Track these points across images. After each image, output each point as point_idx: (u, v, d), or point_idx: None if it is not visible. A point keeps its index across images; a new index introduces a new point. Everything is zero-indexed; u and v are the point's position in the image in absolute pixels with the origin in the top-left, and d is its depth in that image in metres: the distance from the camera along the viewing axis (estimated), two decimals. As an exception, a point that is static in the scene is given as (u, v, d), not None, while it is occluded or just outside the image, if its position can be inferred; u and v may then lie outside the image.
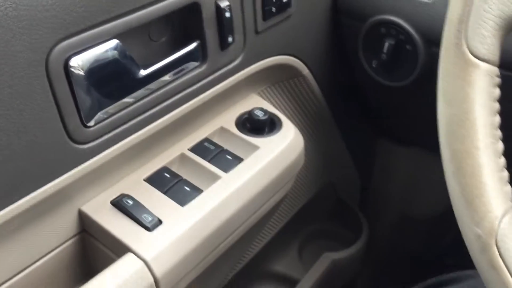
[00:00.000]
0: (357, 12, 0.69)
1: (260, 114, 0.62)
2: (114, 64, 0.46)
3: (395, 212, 1.02)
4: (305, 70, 0.72)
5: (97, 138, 0.48)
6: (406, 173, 0.96)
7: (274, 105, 0.73)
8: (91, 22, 0.44)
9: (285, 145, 0.61)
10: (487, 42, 0.34)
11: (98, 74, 0.45)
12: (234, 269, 0.81)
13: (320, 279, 0.96)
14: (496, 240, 0.34)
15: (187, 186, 0.55)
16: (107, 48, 0.46)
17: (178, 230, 0.50)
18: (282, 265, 1.00)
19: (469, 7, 0.34)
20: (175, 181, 0.55)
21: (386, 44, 0.66)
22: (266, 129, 0.63)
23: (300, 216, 0.97)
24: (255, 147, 0.60)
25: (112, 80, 0.47)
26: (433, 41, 0.63)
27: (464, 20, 0.34)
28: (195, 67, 0.54)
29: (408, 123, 0.81)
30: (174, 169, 0.57)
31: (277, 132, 0.62)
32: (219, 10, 0.53)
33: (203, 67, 0.55)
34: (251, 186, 0.57)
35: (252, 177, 0.57)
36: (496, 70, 0.35)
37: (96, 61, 0.45)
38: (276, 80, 0.71)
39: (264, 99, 0.70)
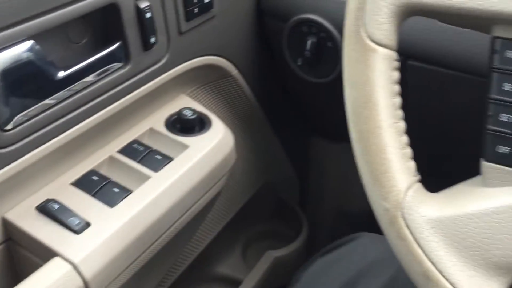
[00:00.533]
0: (279, 12, 0.71)
1: (188, 113, 0.63)
2: (30, 66, 0.46)
3: (332, 207, 1.05)
4: (234, 71, 0.74)
5: (17, 142, 0.47)
6: (339, 169, 0.99)
7: (205, 106, 0.74)
8: (2, 24, 0.43)
9: (214, 143, 0.62)
10: (383, 28, 0.36)
11: (13, 76, 0.45)
12: (175, 271, 0.80)
13: (264, 278, 0.97)
14: (402, 213, 0.37)
15: (116, 188, 0.54)
16: (22, 49, 0.45)
17: (107, 231, 0.50)
18: (226, 267, 1.00)
19: (365, -3, 0.36)
20: (104, 183, 0.54)
21: (309, 42, 0.69)
22: (196, 129, 0.64)
23: (242, 217, 0.98)
24: (185, 146, 0.60)
25: (29, 82, 0.46)
26: (352, 37, 0.66)
27: (361, 8, 0.37)
28: (118, 68, 0.54)
29: (336, 119, 0.84)
30: (102, 171, 0.57)
31: (206, 131, 0.63)
32: (139, 11, 0.54)
33: (127, 68, 0.55)
34: (181, 184, 0.57)
35: (182, 176, 0.57)
36: (394, 54, 0.37)
37: (10, 62, 0.44)
38: (206, 81, 0.72)
39: (194, 99, 0.70)
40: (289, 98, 0.88)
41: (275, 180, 1.04)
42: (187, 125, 0.63)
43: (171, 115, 0.64)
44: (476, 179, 0.38)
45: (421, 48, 0.62)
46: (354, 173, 1.05)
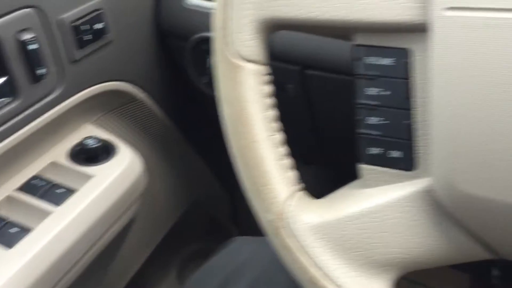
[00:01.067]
0: (179, 32, 0.71)
1: (91, 142, 0.61)
2: None
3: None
4: (140, 94, 0.73)
5: None
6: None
7: (115, 132, 0.73)
8: None
9: (121, 170, 0.61)
10: (249, 45, 0.37)
11: None
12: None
13: (199, 298, 0.96)
14: (285, 223, 0.37)
15: (15, 228, 0.52)
16: None
17: (5, 275, 0.48)
18: (161, 291, 0.98)
19: (229, 15, 0.37)
20: (1, 225, 0.52)
21: (210, 60, 0.69)
22: (101, 157, 0.62)
23: (175, 238, 0.97)
24: (89, 177, 0.59)
25: None
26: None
27: (225, 26, 0.37)
28: (6, 104, 0.53)
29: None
30: (0, 213, 0.54)
31: (112, 158, 0.62)
32: (21, 43, 0.52)
33: (16, 103, 0.53)
34: (86, 216, 0.56)
35: (86, 207, 0.56)
36: (263, 69, 0.38)
37: None
38: (112, 107, 0.71)
39: (101, 127, 0.69)
40: (203, 114, 0.88)
41: (204, 198, 1.03)
42: (91, 155, 0.62)
43: (75, 146, 0.63)
44: (357, 181, 0.40)
45: (315, 57, 0.64)
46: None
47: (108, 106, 0.70)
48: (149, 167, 0.82)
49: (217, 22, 0.38)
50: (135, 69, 0.71)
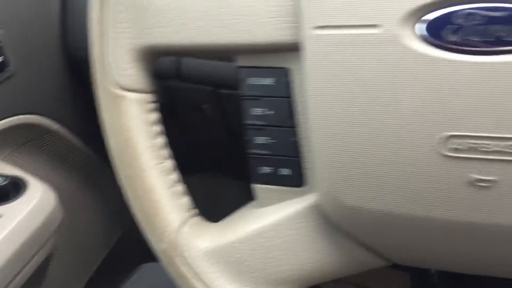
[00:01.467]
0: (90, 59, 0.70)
1: (-3, 181, 0.59)
2: None
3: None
4: (53, 125, 0.71)
5: None
6: (202, 199, 0.99)
7: (29, 167, 0.70)
8: None
9: (30, 207, 0.58)
10: (128, 74, 0.37)
11: None
12: None
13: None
14: (179, 251, 0.37)
15: None
16: None
17: None
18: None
19: (105, 46, 0.37)
20: None
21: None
22: (11, 195, 0.60)
23: (111, 268, 0.94)
24: (-4, 217, 0.56)
25: None
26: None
27: (103, 57, 0.37)
28: None
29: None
30: None
31: (22, 195, 0.60)
32: None
33: None
34: (-8, 259, 0.53)
35: (-8, 250, 0.53)
36: (146, 97, 0.38)
37: None
38: (23, 142, 0.69)
39: (12, 163, 0.66)
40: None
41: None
42: (-1, 194, 0.59)
43: (-20, 186, 0.60)
44: (253, 202, 0.40)
45: (225, 76, 0.64)
46: (214, 204, 1.06)
47: (18, 141, 0.68)
48: (71, 200, 0.79)
49: (94, 52, 0.37)
50: (44, 100, 0.69)
